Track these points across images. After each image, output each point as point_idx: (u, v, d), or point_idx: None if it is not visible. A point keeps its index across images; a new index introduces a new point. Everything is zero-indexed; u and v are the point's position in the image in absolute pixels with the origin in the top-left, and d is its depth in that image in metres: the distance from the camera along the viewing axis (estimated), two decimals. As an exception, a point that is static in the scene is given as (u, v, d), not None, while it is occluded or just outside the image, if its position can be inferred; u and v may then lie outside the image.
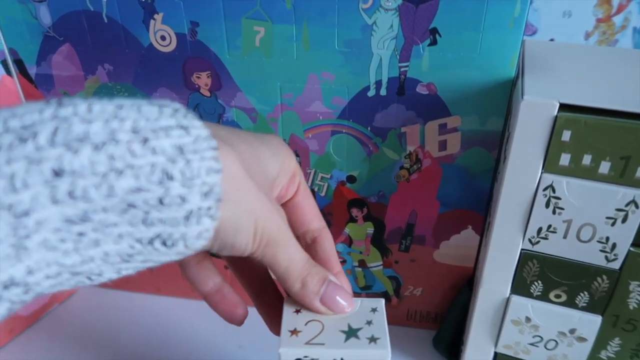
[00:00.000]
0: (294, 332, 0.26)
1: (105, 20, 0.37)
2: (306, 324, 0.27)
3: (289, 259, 0.24)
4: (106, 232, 0.17)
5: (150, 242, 0.18)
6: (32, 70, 0.41)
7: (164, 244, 0.18)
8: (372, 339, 0.26)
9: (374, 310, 0.28)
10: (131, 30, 0.37)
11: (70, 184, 0.16)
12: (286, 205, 0.29)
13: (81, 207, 0.16)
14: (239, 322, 0.27)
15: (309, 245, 0.29)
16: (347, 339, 0.26)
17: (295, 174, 0.28)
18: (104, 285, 0.53)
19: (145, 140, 0.17)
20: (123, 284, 0.52)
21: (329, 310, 0.26)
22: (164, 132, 0.18)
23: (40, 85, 0.42)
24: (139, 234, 0.17)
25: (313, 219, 0.29)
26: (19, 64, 0.41)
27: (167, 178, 0.17)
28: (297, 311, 0.27)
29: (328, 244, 0.29)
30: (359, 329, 0.26)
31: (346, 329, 0.26)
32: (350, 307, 0.27)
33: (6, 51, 0.41)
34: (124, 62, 0.39)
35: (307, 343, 0.25)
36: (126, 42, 0.38)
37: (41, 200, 0.15)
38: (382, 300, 0.28)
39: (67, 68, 0.40)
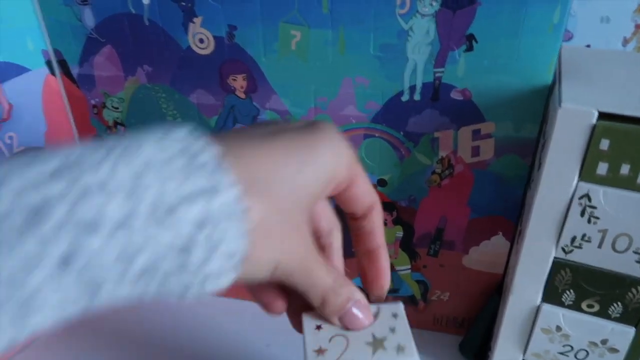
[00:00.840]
0: (320, 351, 0.25)
1: (146, 23, 0.39)
2: (330, 340, 0.26)
3: (310, 284, 0.23)
4: (114, 295, 0.16)
5: (161, 295, 0.17)
6: (75, 71, 0.43)
7: (176, 296, 0.18)
8: (400, 348, 0.25)
9: (394, 315, 0.27)
10: (171, 33, 0.38)
11: (79, 270, 0.15)
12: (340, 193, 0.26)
13: (90, 287, 0.15)
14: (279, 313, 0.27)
15: (358, 219, 0.28)
16: (374, 351, 0.25)
17: (353, 177, 0.25)
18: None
19: (169, 211, 0.16)
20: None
21: (345, 326, 0.26)
22: (190, 199, 0.16)
23: (82, 85, 0.43)
24: (151, 292, 0.17)
25: (365, 197, 0.27)
26: (63, 64, 0.43)
27: (190, 247, 0.16)
28: (318, 327, 0.26)
29: (376, 218, 0.28)
30: (384, 339, 0.26)
31: (371, 340, 0.26)
32: (369, 323, 0.26)
33: (51, 52, 0.42)
34: (163, 63, 0.40)
35: None
36: (166, 44, 0.39)
37: (46, 287, 0.14)
38: (401, 305, 0.28)
39: (108, 69, 0.42)
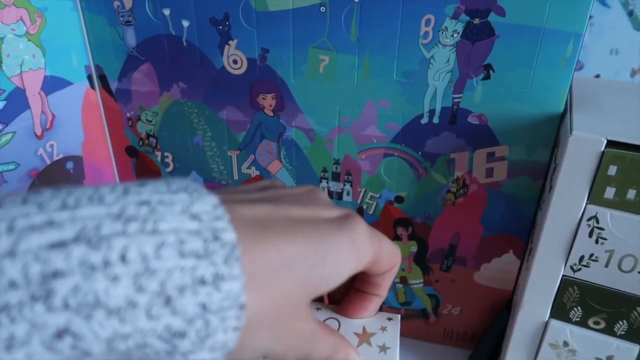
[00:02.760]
0: None
1: (184, 44, 0.41)
2: (324, 321, 0.27)
3: (303, 357, 0.22)
4: None
5: None
6: (114, 85, 0.46)
7: None
8: (383, 348, 0.26)
9: (389, 319, 0.28)
10: (207, 53, 0.41)
11: (70, 344, 0.14)
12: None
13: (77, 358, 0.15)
14: None
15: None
16: (359, 343, 0.26)
17: (374, 262, 0.23)
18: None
19: (167, 301, 0.15)
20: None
21: None
22: (193, 289, 0.15)
23: (119, 99, 0.46)
24: None
25: (384, 266, 0.25)
26: (103, 79, 0.46)
27: (178, 336, 0.15)
28: (317, 309, 0.28)
29: (388, 278, 0.26)
30: (372, 334, 0.27)
31: (360, 331, 0.27)
32: None
33: (92, 67, 0.45)
34: (197, 81, 0.43)
35: None
36: (201, 64, 0.42)
37: (35, 356, 0.14)
38: (399, 316, 0.28)
39: (145, 84, 0.45)
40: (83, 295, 0.14)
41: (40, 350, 0.14)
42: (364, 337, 0.27)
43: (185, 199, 0.17)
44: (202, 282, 0.15)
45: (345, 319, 0.27)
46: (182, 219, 0.16)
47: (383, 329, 0.27)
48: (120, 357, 0.15)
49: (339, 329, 0.27)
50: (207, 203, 0.17)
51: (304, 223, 0.20)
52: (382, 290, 0.27)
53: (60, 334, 0.14)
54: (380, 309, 0.47)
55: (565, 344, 0.38)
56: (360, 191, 0.44)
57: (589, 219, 0.34)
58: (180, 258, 0.15)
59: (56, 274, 0.13)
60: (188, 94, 0.44)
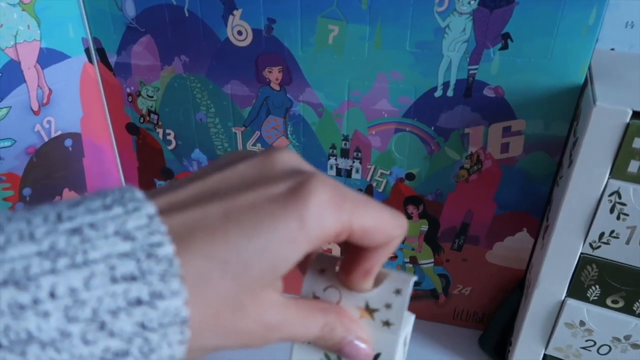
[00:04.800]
0: (313, 296, 0.25)
1: (186, 14, 0.40)
2: (325, 289, 0.25)
3: (295, 339, 0.22)
4: None
5: None
6: (112, 59, 0.44)
7: None
8: (386, 323, 0.24)
9: (397, 292, 0.24)
10: (210, 24, 0.39)
11: None
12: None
13: None
14: None
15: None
16: (360, 316, 0.24)
17: (344, 231, 0.20)
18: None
19: (101, 326, 0.15)
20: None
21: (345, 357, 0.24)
22: (127, 310, 0.15)
23: (118, 74, 0.45)
24: None
25: (376, 238, 0.21)
26: (101, 52, 0.44)
27: (121, 356, 0.16)
28: (322, 271, 0.25)
29: (382, 255, 0.22)
30: (375, 310, 0.24)
31: (362, 306, 0.24)
32: (369, 353, 0.24)
33: (90, 40, 0.43)
34: (200, 54, 0.41)
35: None
36: (204, 35, 0.40)
37: None
38: (412, 280, 0.24)
39: (146, 58, 0.43)
40: (15, 333, 0.14)
41: None
42: (366, 312, 0.24)
43: (119, 215, 0.16)
44: (138, 302, 0.15)
45: (346, 290, 0.24)
46: (114, 242, 0.16)
47: (387, 306, 0.24)
48: None
49: (339, 302, 0.24)
50: (142, 217, 0.16)
51: (239, 213, 0.18)
52: (373, 265, 0.22)
53: None
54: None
55: (582, 323, 0.37)
56: (370, 168, 0.42)
57: (610, 194, 0.32)
58: (111, 284, 0.15)
59: None
60: (190, 67, 0.42)
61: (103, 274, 0.15)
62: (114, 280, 0.15)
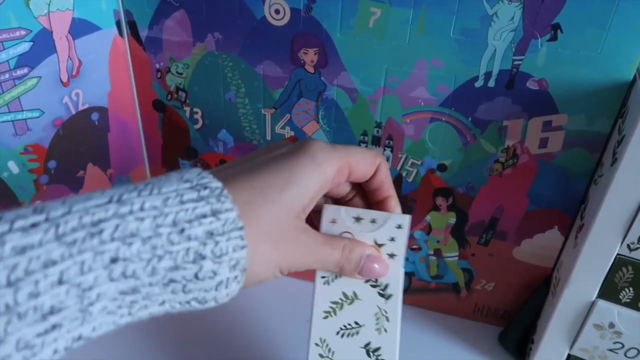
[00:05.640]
0: None
1: (223, -10, 0.39)
2: (340, 234, 0.30)
3: (322, 265, 0.29)
4: (152, 299, 0.21)
5: (188, 302, 0.22)
6: (144, 33, 0.43)
7: (199, 302, 0.23)
8: (391, 255, 0.30)
9: (399, 227, 0.30)
10: (247, 1, 0.38)
11: (123, 268, 0.20)
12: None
13: (132, 284, 0.20)
14: None
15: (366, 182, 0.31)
16: None
17: (345, 171, 0.28)
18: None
19: (182, 231, 0.21)
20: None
21: (365, 277, 0.31)
22: (198, 221, 0.21)
23: (148, 48, 0.44)
24: (179, 298, 0.22)
25: (366, 172, 0.30)
26: (132, 25, 0.43)
27: (200, 258, 0.21)
28: (333, 221, 0.31)
29: (382, 175, 0.31)
30: (382, 245, 0.30)
31: (372, 243, 0.30)
32: (386, 272, 0.30)
33: (122, 12, 0.42)
34: (234, 32, 0.40)
35: None
36: (240, 12, 0.39)
37: (101, 280, 0.19)
38: (408, 218, 0.30)
39: (178, 34, 0.42)
40: (122, 230, 0.20)
41: (102, 273, 0.19)
42: (376, 247, 0.31)
43: (176, 174, 0.23)
44: (204, 216, 0.22)
45: (358, 232, 0.30)
46: (178, 183, 0.22)
47: (392, 239, 0.30)
48: (163, 280, 0.21)
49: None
50: (193, 172, 0.23)
51: (267, 162, 0.25)
52: (387, 190, 0.31)
53: (113, 259, 0.20)
54: (410, 281, 0.46)
55: (612, 325, 0.37)
56: (401, 157, 0.42)
57: (655, 195, 0.31)
58: (182, 205, 0.21)
59: (101, 220, 0.20)
60: (223, 45, 0.41)
61: (175, 198, 0.21)
62: (182, 202, 0.21)
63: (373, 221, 0.30)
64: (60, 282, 0.18)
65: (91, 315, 0.20)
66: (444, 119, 0.39)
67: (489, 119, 0.38)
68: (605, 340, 0.38)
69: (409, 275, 0.48)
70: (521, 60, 0.35)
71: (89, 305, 0.19)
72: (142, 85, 0.46)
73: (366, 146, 0.42)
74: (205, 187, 0.22)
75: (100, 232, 0.19)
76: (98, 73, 0.43)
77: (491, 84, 0.36)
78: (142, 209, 0.21)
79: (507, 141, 0.38)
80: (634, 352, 0.37)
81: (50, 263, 0.18)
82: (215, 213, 0.22)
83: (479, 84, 0.37)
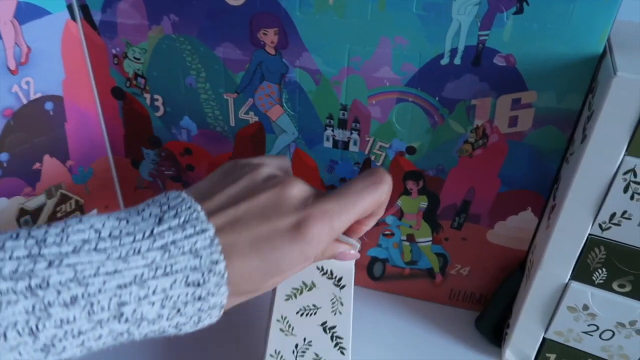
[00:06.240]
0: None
1: (176, -32, 0.37)
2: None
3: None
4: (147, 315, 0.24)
5: (182, 320, 0.25)
6: (97, 17, 0.41)
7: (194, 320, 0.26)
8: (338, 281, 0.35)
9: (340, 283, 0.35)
10: (201, -20, 0.37)
11: (127, 337, 0.24)
12: None
13: (125, 337, 0.24)
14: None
15: None
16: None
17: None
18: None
19: (178, 311, 0.25)
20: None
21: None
22: (192, 303, 0.25)
23: (103, 33, 0.42)
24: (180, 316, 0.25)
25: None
26: (84, 9, 0.41)
27: (182, 326, 0.25)
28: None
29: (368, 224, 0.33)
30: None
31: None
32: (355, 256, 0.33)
33: (72, -5, 0.40)
34: (191, 13, 0.38)
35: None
36: (195, -8, 0.37)
37: (105, 336, 0.23)
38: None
39: (132, 16, 0.40)
40: (136, 313, 0.23)
41: (109, 332, 0.23)
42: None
43: (191, 234, 0.25)
44: (199, 298, 0.25)
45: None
46: (188, 259, 0.24)
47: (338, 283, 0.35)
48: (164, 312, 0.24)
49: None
50: (207, 238, 0.25)
51: (260, 243, 0.26)
52: (360, 233, 0.33)
53: (121, 333, 0.24)
54: (384, 267, 0.45)
55: (585, 307, 0.36)
56: (369, 140, 0.40)
57: (625, 172, 0.30)
58: (186, 287, 0.24)
59: (124, 303, 0.23)
60: (180, 27, 0.39)
61: (182, 280, 0.24)
62: (187, 285, 0.24)
63: None
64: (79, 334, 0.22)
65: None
66: (410, 100, 0.37)
67: (457, 98, 0.36)
68: (580, 322, 0.37)
69: (382, 262, 0.47)
70: (487, 35, 0.33)
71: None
72: (99, 72, 0.44)
73: (332, 130, 0.40)
74: (211, 271, 0.24)
75: (122, 314, 0.23)
76: (50, 60, 0.40)
77: (457, 61, 0.35)
78: (154, 292, 0.23)
79: (476, 121, 0.37)
80: (609, 334, 0.36)
81: (77, 333, 0.22)
82: (209, 294, 0.25)
83: (444, 61, 0.35)
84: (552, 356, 0.39)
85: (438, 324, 0.46)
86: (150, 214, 0.25)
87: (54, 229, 0.23)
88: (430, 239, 0.44)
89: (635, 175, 0.30)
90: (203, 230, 0.25)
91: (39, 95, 0.40)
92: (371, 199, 0.29)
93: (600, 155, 0.31)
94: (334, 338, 0.34)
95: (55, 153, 0.43)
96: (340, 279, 0.34)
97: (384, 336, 0.44)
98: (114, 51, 0.42)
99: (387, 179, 0.30)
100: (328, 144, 0.41)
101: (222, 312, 0.26)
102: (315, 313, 0.34)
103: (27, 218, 0.43)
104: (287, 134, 0.42)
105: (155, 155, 0.47)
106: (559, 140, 0.36)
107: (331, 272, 0.35)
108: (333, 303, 0.34)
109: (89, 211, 0.49)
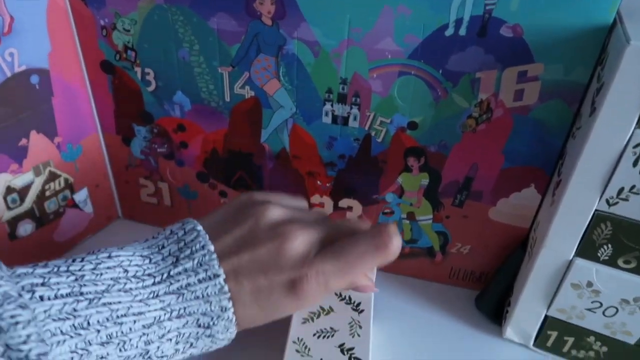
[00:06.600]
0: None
1: None
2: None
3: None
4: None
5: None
6: (83, -15, 0.39)
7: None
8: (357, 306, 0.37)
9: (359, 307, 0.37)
10: (194, -55, 0.35)
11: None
12: None
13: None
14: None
15: None
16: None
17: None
18: (141, 220, 0.52)
19: (191, 345, 0.28)
20: (158, 220, 0.51)
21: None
22: (203, 340, 0.28)
23: (90, 3, 0.40)
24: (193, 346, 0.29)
25: None
26: (70, -23, 0.39)
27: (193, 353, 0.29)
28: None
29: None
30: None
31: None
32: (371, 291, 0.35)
33: (57, -38, 0.38)
34: (183, -19, 0.37)
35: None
36: (187, -42, 0.35)
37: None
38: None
39: (121, -16, 0.38)
40: (160, 344, 0.27)
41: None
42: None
43: (204, 279, 0.27)
44: (209, 335, 0.28)
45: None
46: (199, 304, 0.27)
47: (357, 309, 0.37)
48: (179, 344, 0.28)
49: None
50: (217, 284, 0.27)
51: (260, 295, 0.29)
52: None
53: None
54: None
55: (589, 284, 0.35)
56: (369, 115, 0.39)
57: (635, 146, 0.29)
58: (196, 327, 0.28)
59: (148, 342, 0.27)
60: (172, -3, 0.38)
61: (193, 322, 0.27)
62: (198, 326, 0.28)
63: None
64: None
65: None
66: (413, 73, 0.36)
67: (461, 70, 0.35)
68: (583, 299, 0.36)
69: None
70: (494, 4, 0.32)
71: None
72: (87, 44, 0.42)
73: (332, 105, 0.39)
74: (220, 317, 0.28)
75: (147, 352, 0.26)
76: (35, 31, 0.39)
77: (462, 32, 0.33)
78: (170, 331, 0.27)
79: (481, 94, 0.36)
80: (612, 310, 0.36)
81: None
82: (218, 333, 0.28)
83: (449, 32, 0.34)
84: (554, 334, 0.39)
85: (438, 303, 0.46)
86: (169, 253, 0.28)
87: (88, 265, 0.25)
88: (431, 217, 0.43)
89: (645, 148, 0.29)
90: (214, 276, 0.27)
91: (23, 67, 0.39)
92: (372, 264, 0.30)
93: (609, 128, 0.30)
94: (352, 359, 0.33)
95: (43, 129, 0.42)
96: (358, 304, 0.36)
97: (383, 316, 0.44)
98: (102, 22, 0.40)
99: (393, 243, 0.30)
100: (327, 120, 0.40)
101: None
102: (332, 335, 0.34)
103: (15, 196, 0.41)
104: (284, 109, 0.41)
105: (147, 132, 0.46)
106: (565, 115, 0.35)
107: (350, 298, 0.36)
108: (351, 326, 0.35)
109: (79, 190, 0.47)
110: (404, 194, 0.42)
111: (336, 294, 0.36)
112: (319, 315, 0.35)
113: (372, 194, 0.43)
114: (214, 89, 0.41)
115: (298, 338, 0.34)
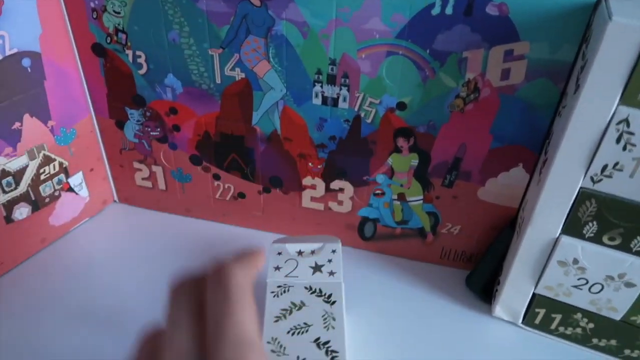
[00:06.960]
0: (277, 267, 0.38)
1: None
2: (285, 261, 0.38)
3: None
4: None
5: None
6: (73, -33, 0.39)
7: None
8: (331, 273, 0.38)
9: (333, 251, 0.39)
10: None
11: None
12: None
13: None
14: None
15: None
16: (314, 272, 0.38)
17: None
18: (132, 203, 0.53)
19: None
20: (153, 203, 0.51)
21: None
22: None
23: (80, -15, 0.40)
24: None
25: None
26: (59, -41, 0.39)
27: None
28: (279, 253, 0.39)
29: None
30: (322, 265, 0.38)
31: (313, 265, 0.38)
32: None
33: (46, -56, 0.38)
34: (171, -38, 0.37)
35: (286, 276, 0.37)
36: (175, -61, 0.35)
37: None
38: (339, 242, 0.40)
39: (110, -34, 0.38)
40: None
41: None
42: (316, 268, 0.38)
43: None
44: None
45: (301, 260, 0.39)
46: None
47: (329, 260, 0.39)
48: None
49: (297, 266, 0.38)
50: None
51: None
52: None
53: None
54: (375, 227, 0.45)
55: (575, 261, 0.36)
56: (359, 96, 0.39)
57: (618, 122, 0.30)
58: None
59: None
60: (161, -22, 0.38)
61: None
62: None
63: (312, 252, 0.39)
64: None
65: None
66: (401, 52, 0.36)
67: (448, 50, 0.35)
68: (569, 276, 0.37)
69: (373, 222, 0.47)
70: (480, -18, 0.32)
71: None
72: (78, 27, 0.42)
73: (321, 86, 0.39)
74: None
75: None
76: (25, 13, 0.39)
77: (448, 10, 0.34)
78: None
79: (468, 74, 0.36)
80: (598, 287, 0.36)
81: None
82: None
83: (435, 11, 0.34)
84: (542, 311, 0.40)
85: (429, 283, 0.46)
86: None
87: None
88: (421, 197, 0.44)
89: (628, 125, 0.30)
90: None
91: (14, 50, 0.39)
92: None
93: (593, 105, 0.30)
94: (329, 352, 0.33)
95: (36, 112, 0.42)
96: (330, 296, 0.36)
97: (375, 296, 0.45)
98: (92, 4, 0.41)
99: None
100: (317, 101, 0.40)
101: None
102: (307, 331, 0.34)
103: (10, 179, 0.42)
104: (275, 91, 0.41)
105: (140, 115, 0.46)
106: (552, 93, 0.35)
107: (320, 290, 0.36)
108: (325, 319, 0.35)
109: (74, 174, 0.48)
110: (394, 174, 0.43)
111: (305, 287, 0.36)
112: (291, 312, 0.35)
113: (362, 175, 0.44)
114: (204, 71, 0.41)
115: (272, 338, 0.34)
